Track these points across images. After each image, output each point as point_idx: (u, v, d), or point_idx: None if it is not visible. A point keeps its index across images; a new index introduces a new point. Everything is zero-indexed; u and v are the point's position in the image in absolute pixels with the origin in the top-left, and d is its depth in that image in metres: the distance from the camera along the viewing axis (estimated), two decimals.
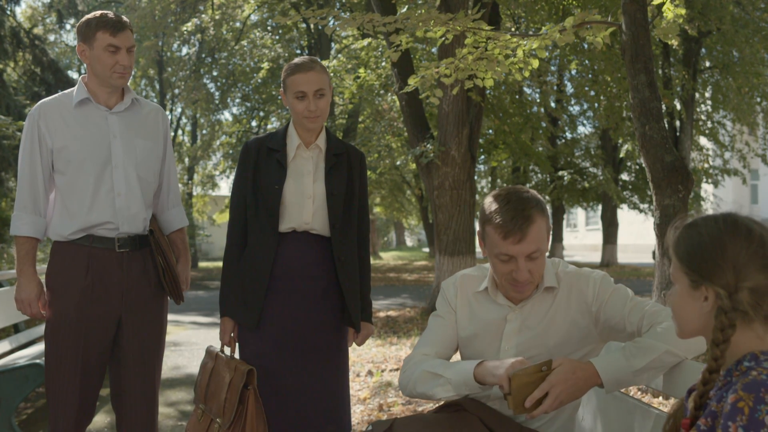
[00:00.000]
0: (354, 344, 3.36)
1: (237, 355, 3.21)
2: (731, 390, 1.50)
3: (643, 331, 2.26)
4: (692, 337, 1.73)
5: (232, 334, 3.20)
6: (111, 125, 3.18)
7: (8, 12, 18.27)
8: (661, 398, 5.40)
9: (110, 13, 3.13)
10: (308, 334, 3.12)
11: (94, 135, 3.14)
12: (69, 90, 3.25)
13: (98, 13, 3.14)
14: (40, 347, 5.44)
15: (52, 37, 30.00)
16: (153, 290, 3.25)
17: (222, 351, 3.24)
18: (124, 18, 3.15)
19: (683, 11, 6.64)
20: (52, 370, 3.11)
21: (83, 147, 3.10)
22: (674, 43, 6.83)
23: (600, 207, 25.31)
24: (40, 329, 6.10)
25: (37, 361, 4.45)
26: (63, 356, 3.08)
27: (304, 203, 3.11)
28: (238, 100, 25.57)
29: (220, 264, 27.07)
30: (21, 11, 27.46)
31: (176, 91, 26.17)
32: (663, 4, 6.39)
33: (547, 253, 2.55)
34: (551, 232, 2.53)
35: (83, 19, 3.17)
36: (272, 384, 3.07)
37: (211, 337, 9.36)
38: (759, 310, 1.58)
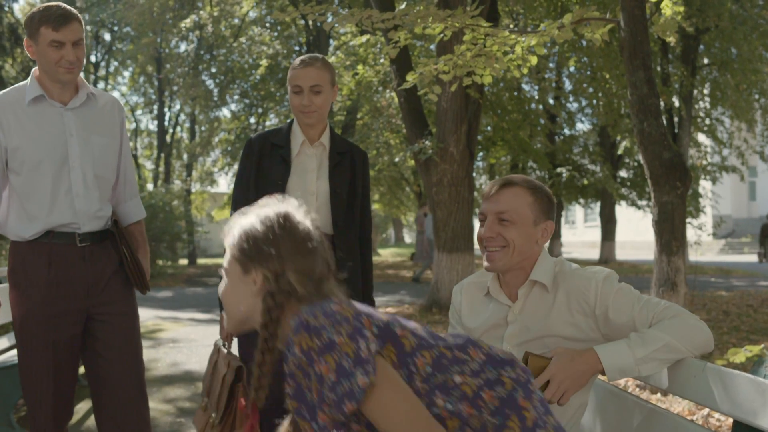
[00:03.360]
0: None
1: (235, 350, 3.21)
2: (289, 350, 1.62)
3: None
4: (242, 325, 1.81)
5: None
6: (67, 123, 3.07)
7: (6, 8, 18.25)
8: (659, 395, 5.41)
9: (56, 5, 2.98)
10: None
11: (50, 135, 3.04)
12: (22, 84, 3.13)
13: (42, 6, 3.00)
14: None
15: None
16: (120, 280, 3.18)
17: (224, 345, 3.24)
18: (72, 9, 3.00)
19: (681, 8, 6.64)
20: (25, 368, 3.06)
21: (39, 148, 3.01)
22: (672, 40, 6.83)
23: (598, 204, 25.31)
24: None
25: None
26: (33, 353, 3.03)
27: (307, 200, 3.11)
28: (236, 97, 25.53)
29: (218, 261, 27.05)
30: (19, 7, 27.45)
31: (175, 87, 26.15)
32: (661, 0, 6.39)
33: (546, 245, 2.53)
34: (549, 223, 2.47)
35: (29, 13, 3.03)
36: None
37: (210, 334, 9.36)
38: (307, 287, 1.75)
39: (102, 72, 31.18)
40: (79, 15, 3.05)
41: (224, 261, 1.83)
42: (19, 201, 3.06)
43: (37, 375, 3.04)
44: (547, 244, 2.57)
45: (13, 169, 3.04)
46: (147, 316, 11.04)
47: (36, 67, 3.12)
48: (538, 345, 2.39)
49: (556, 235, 25.06)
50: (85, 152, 3.09)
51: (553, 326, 2.38)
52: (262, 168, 3.16)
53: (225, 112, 40.15)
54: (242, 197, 3.20)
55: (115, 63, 31.70)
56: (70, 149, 3.05)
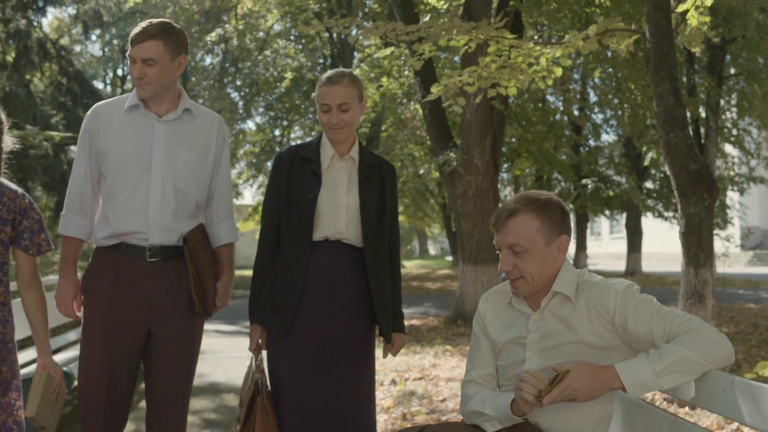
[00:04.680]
0: (380, 354, 3.37)
1: (264, 362, 3.23)
2: None
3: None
4: None
5: (259, 341, 3.21)
6: (156, 134, 3.14)
7: (35, 23, 18.50)
8: (687, 408, 5.35)
9: (149, 22, 3.09)
10: (337, 342, 3.13)
11: (136, 143, 3.12)
12: (127, 94, 3.24)
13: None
14: (68, 354, 5.50)
15: (78, 48, 30.30)
16: (185, 301, 3.16)
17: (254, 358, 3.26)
18: (154, 29, 3.06)
19: (707, 18, 6.60)
20: (82, 376, 3.11)
21: (124, 154, 3.09)
22: (698, 50, 6.80)
23: (624, 215, 25.14)
24: (70, 336, 6.17)
25: (65, 368, 4.48)
26: (90, 362, 3.09)
27: (338, 213, 3.13)
28: (261, 110, 25.70)
29: (243, 272, 27.21)
30: (48, 22, 27.82)
31: (200, 100, 26.34)
32: (687, 11, 6.36)
33: (571, 260, 2.56)
34: (563, 238, 2.53)
35: None
36: (300, 390, 3.08)
37: (236, 346, 9.40)
38: None
39: (129, 85, 31.54)
40: (164, 33, 3.09)
41: None
42: (103, 204, 3.17)
43: (91, 382, 3.08)
44: (570, 256, 2.59)
45: (102, 173, 3.15)
46: None
47: None
48: (558, 352, 2.42)
49: (582, 247, 24.86)
50: (168, 164, 3.14)
51: (574, 334, 2.41)
52: (293, 182, 3.18)
53: (250, 125, 40.38)
54: (273, 210, 3.22)
55: None
56: (154, 159, 3.11)
